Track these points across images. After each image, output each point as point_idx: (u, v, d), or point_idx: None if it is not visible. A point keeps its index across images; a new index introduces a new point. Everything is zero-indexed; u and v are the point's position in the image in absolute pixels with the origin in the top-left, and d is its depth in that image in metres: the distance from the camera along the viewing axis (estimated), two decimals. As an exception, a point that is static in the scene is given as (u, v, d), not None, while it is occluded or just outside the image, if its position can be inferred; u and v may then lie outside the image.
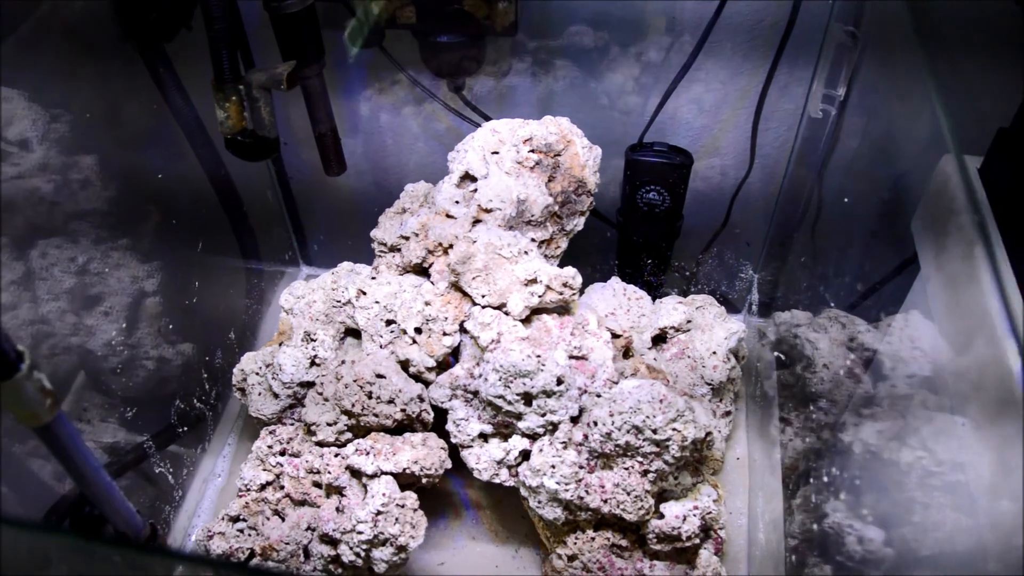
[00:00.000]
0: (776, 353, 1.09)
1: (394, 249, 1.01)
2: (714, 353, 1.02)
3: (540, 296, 0.90)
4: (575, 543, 0.92)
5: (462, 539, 1.02)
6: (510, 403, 0.88)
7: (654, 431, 0.85)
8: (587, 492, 0.88)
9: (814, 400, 1.01)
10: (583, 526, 0.93)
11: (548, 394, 0.88)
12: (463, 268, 0.92)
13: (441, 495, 1.03)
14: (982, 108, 0.97)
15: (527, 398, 0.88)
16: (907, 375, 0.90)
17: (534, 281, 0.91)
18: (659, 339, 1.05)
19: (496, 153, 0.97)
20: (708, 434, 0.88)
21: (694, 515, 0.90)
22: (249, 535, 0.94)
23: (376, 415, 0.91)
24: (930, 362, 0.87)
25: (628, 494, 0.87)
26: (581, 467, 0.88)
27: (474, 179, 0.98)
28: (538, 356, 0.88)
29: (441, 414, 0.96)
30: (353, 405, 0.91)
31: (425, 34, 0.99)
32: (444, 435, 0.95)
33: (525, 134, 0.96)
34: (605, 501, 0.88)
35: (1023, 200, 0.92)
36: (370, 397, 0.91)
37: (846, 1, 0.87)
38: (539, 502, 0.90)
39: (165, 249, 1.07)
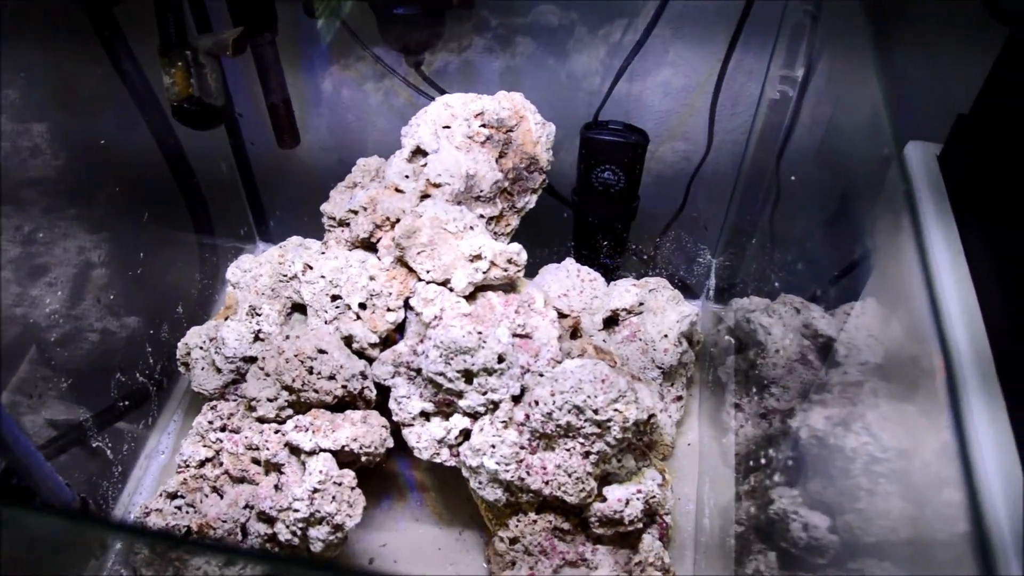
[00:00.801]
0: (730, 338, 1.07)
1: (343, 224, 0.98)
2: (665, 336, 1.00)
3: (484, 272, 0.88)
4: (517, 526, 0.90)
5: (405, 521, 0.99)
6: (451, 380, 0.85)
7: (595, 411, 0.82)
8: (528, 473, 0.86)
9: (766, 386, 0.98)
10: (525, 508, 0.90)
11: (489, 372, 0.85)
12: (408, 243, 0.89)
13: (386, 476, 1.01)
14: (946, 93, 0.95)
15: (468, 375, 0.86)
16: (859, 362, 0.88)
17: (479, 257, 0.88)
18: (611, 321, 1.03)
19: (447, 127, 0.94)
20: (652, 416, 0.86)
21: (637, 499, 0.88)
22: (187, 512, 0.92)
23: (316, 391, 0.88)
24: (884, 350, 0.85)
25: (569, 476, 0.85)
26: (522, 447, 0.86)
27: (425, 153, 0.95)
28: (479, 333, 0.85)
29: (384, 393, 0.93)
30: (294, 380, 0.88)
31: (383, 6, 0.97)
32: (387, 414, 0.93)
33: (477, 108, 0.93)
34: (546, 483, 0.86)
35: (980, 187, 0.90)
36: (311, 372, 0.89)
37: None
38: (480, 483, 0.88)
39: (114, 220, 1.04)
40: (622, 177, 0.99)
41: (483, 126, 0.93)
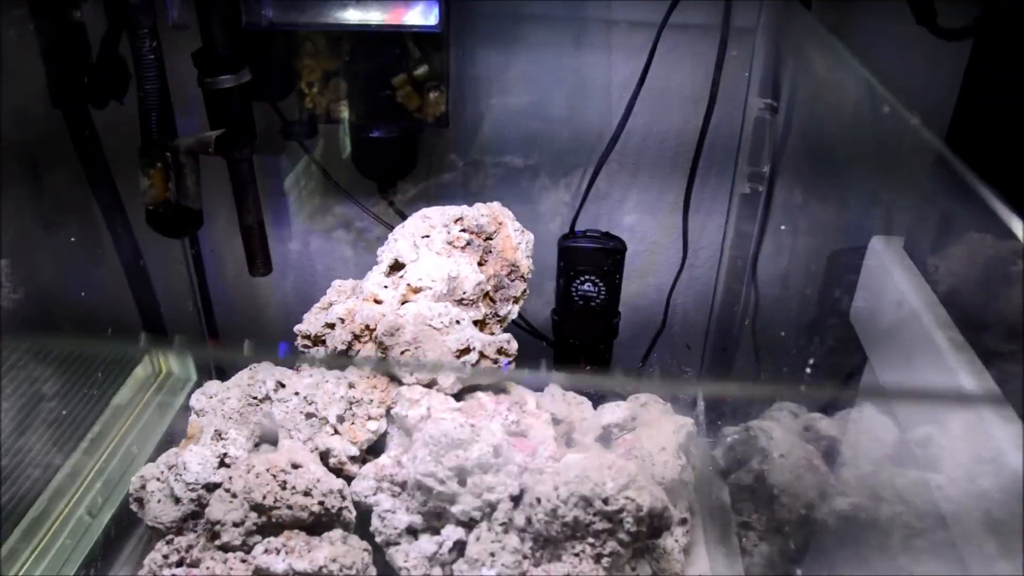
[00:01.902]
0: (730, 455, 1.00)
1: (318, 341, 0.92)
2: (663, 449, 0.93)
3: (473, 365, 0.82)
4: (522, 657, 0.77)
5: None
6: (442, 482, 0.77)
7: (604, 501, 0.74)
8: (533, 587, 0.75)
9: (775, 496, 0.91)
10: (531, 637, 0.78)
11: (484, 468, 0.77)
12: (391, 340, 0.84)
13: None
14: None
15: (461, 474, 0.77)
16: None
17: (467, 351, 0.83)
18: (603, 441, 0.96)
19: (426, 237, 0.93)
20: (666, 508, 0.77)
21: (655, 613, 0.77)
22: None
23: (290, 507, 0.78)
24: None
25: (580, 584, 0.75)
26: (525, 557, 0.76)
27: (403, 265, 0.92)
28: (472, 426, 0.78)
29: (364, 519, 0.83)
30: (264, 497, 0.78)
31: (358, 130, 0.98)
32: (368, 539, 0.82)
33: (455, 214, 0.92)
34: (554, 597, 0.75)
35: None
36: (284, 487, 0.79)
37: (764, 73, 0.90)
38: (478, 605, 0.76)
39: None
40: (602, 288, 0.97)
41: (463, 231, 0.91)
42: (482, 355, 0.83)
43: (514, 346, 0.84)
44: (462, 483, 0.77)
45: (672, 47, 0.95)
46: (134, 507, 0.88)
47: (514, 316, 0.94)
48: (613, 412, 0.95)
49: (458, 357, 0.83)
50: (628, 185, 1.04)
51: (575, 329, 1.01)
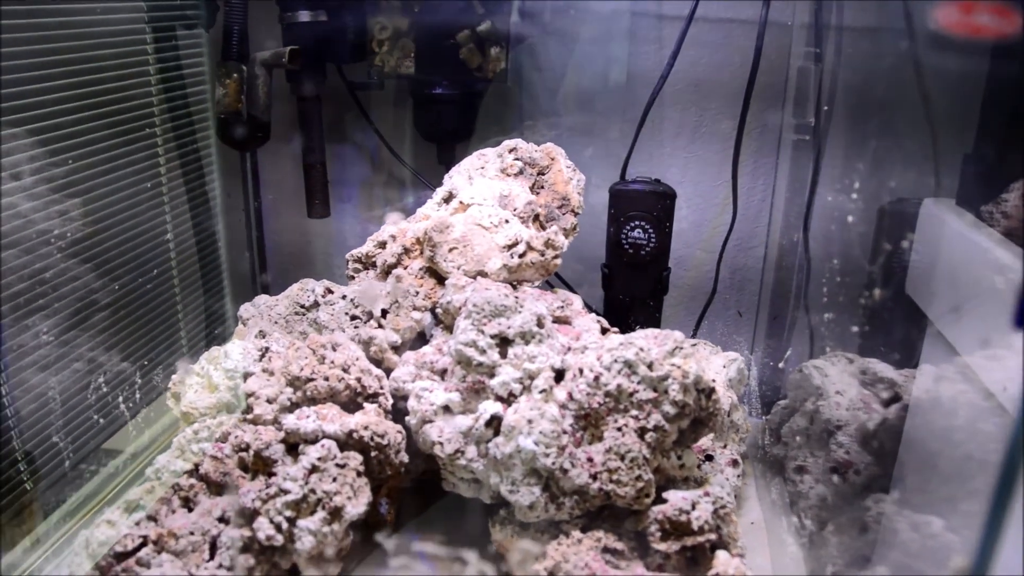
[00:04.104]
0: (784, 403, 0.93)
1: (368, 264, 0.91)
2: (713, 380, 0.87)
3: (521, 256, 0.80)
4: (558, 549, 0.69)
5: (414, 585, 0.77)
6: (483, 351, 0.73)
7: (649, 366, 0.69)
8: (572, 464, 0.69)
9: (831, 433, 0.83)
10: (567, 529, 0.71)
11: (527, 338, 0.73)
12: (440, 237, 0.83)
13: (387, 550, 0.80)
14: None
15: (503, 344, 0.73)
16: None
17: (515, 244, 0.81)
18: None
19: (481, 168, 0.93)
20: (714, 391, 0.72)
21: (706, 501, 0.69)
22: (145, 526, 0.71)
23: (327, 378, 0.74)
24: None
25: (623, 458, 0.68)
26: (564, 432, 0.70)
27: (456, 196, 0.93)
28: (517, 297, 0.75)
29: (399, 419, 0.78)
30: (302, 369, 0.75)
31: (421, 86, 1.02)
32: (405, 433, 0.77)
33: (510, 145, 0.93)
34: (594, 476, 0.69)
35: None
36: (322, 361, 0.76)
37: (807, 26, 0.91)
38: (513, 482, 0.70)
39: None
40: (652, 235, 0.95)
41: (516, 159, 0.92)
42: (529, 246, 0.81)
43: (561, 239, 0.82)
44: (503, 354, 0.73)
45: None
46: (170, 403, 0.85)
47: (564, 249, 0.92)
48: (664, 345, 0.91)
49: (506, 250, 0.81)
50: (676, 139, 1.04)
51: (625, 283, 0.98)
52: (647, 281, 0.98)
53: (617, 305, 1.00)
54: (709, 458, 0.86)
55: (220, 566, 0.68)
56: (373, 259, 0.91)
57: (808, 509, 0.83)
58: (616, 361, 0.70)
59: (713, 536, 0.68)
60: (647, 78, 1.01)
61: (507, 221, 0.83)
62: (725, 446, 0.88)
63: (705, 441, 0.86)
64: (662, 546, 0.68)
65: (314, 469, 0.68)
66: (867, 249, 0.94)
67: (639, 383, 0.69)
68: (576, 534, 0.70)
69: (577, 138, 1.06)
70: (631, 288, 0.99)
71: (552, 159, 0.94)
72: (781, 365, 0.95)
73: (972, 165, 0.89)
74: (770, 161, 1.01)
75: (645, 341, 0.71)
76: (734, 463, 0.87)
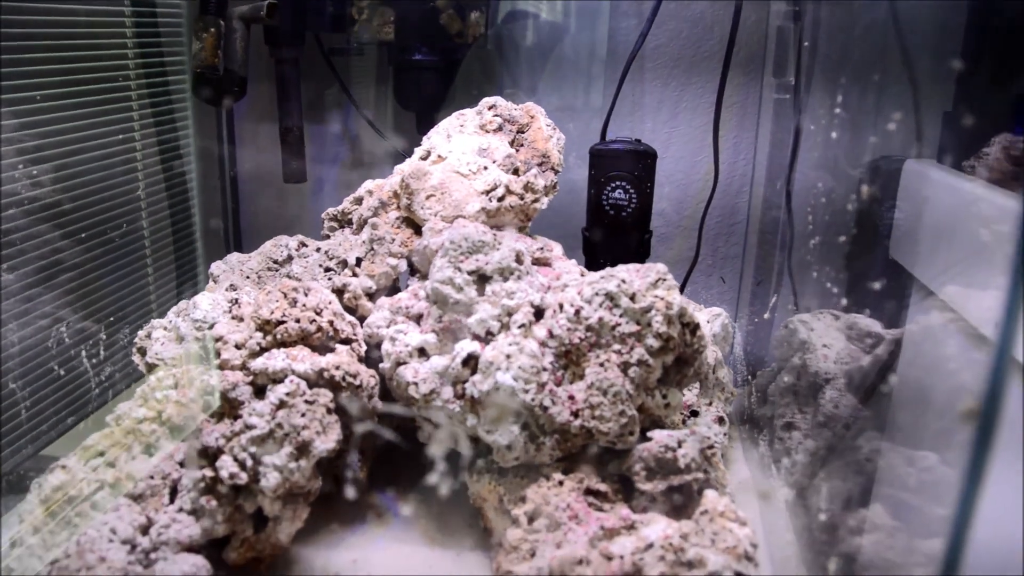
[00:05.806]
0: (771, 366, 0.89)
1: (345, 222, 0.88)
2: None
3: (500, 200, 0.77)
4: (538, 491, 0.65)
5: (385, 541, 0.72)
6: (460, 288, 0.69)
7: (632, 297, 0.65)
8: (552, 402, 0.65)
9: (820, 387, 0.79)
10: (547, 472, 0.66)
11: (505, 274, 0.69)
12: (417, 184, 0.79)
13: (361, 506, 0.75)
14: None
15: (480, 280, 0.70)
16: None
17: (494, 188, 0.78)
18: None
19: (460, 127, 0.90)
20: (699, 326, 0.68)
21: (692, 439, 0.65)
22: (102, 471, 0.66)
23: (298, 320, 0.70)
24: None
25: (605, 394, 0.64)
26: (544, 369, 0.66)
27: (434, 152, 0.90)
28: (495, 234, 0.71)
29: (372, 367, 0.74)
30: (272, 312, 0.71)
31: (401, 53, 0.99)
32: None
33: (489, 102, 0.90)
34: (576, 413, 0.65)
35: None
36: (294, 304, 0.72)
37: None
38: (491, 422, 0.65)
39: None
40: (633, 196, 0.92)
41: (496, 115, 0.89)
42: (508, 190, 0.77)
43: (540, 183, 0.79)
44: (480, 291, 0.69)
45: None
46: (136, 359, 0.80)
47: (543, 207, 0.89)
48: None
49: (484, 195, 0.78)
50: (659, 99, 1.01)
51: (606, 245, 0.95)
52: (629, 244, 0.95)
53: (599, 270, 0.96)
54: (695, 414, 0.82)
55: (180, 510, 0.63)
56: (349, 215, 0.88)
57: (797, 463, 0.79)
58: (597, 294, 0.66)
59: (700, 475, 0.64)
60: (630, 41, 0.98)
61: (486, 168, 0.80)
62: (711, 403, 0.84)
63: (690, 397, 0.83)
64: (647, 486, 0.64)
65: (282, 404, 0.64)
66: (850, 208, 0.91)
67: (621, 316, 0.65)
68: (557, 476, 0.66)
69: (554, 101, 1.03)
70: (613, 251, 0.95)
71: (532, 117, 0.91)
72: (767, 316, 0.92)
73: (952, 122, 0.88)
74: (752, 120, 0.99)
75: (627, 274, 0.67)
76: (720, 420, 0.83)
